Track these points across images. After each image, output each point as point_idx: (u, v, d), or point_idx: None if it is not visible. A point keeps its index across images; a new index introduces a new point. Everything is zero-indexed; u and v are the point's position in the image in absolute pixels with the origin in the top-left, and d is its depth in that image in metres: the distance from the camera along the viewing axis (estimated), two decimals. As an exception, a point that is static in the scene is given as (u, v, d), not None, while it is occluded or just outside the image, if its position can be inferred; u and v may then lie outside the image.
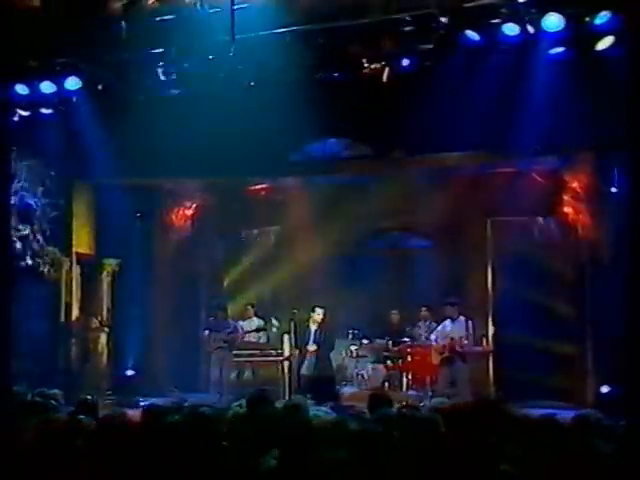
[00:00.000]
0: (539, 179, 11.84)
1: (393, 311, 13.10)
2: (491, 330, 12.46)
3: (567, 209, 11.53)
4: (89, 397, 6.16)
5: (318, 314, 10.67)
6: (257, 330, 12.17)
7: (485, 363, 12.27)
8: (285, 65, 9.30)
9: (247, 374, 12.38)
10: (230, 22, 9.14)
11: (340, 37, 8.78)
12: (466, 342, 10.42)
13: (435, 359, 10.75)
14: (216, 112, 10.25)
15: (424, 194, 12.82)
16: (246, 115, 10.22)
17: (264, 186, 13.93)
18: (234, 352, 11.86)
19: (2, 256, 7.18)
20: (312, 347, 10.95)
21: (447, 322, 10.72)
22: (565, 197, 11.54)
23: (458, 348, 10.41)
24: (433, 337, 11.01)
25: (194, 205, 13.95)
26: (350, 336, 13.40)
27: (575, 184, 11.41)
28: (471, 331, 10.52)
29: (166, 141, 10.73)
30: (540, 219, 12.11)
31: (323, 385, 10.25)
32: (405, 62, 9.30)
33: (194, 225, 13.94)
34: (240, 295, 13.82)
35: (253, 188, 13.98)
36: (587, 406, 9.93)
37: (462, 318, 10.60)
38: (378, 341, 13.15)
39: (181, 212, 13.87)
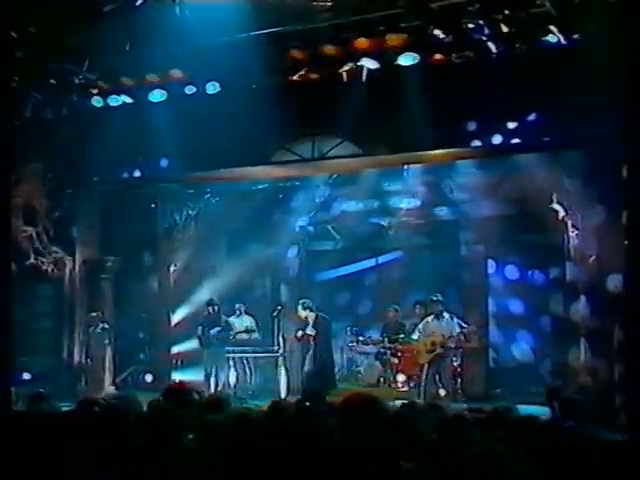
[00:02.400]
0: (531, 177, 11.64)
1: (390, 308, 13.05)
2: (486, 327, 12.32)
3: (557, 206, 11.32)
4: (42, 390, 6.27)
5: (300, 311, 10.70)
6: (247, 331, 12.17)
7: (479, 359, 12.16)
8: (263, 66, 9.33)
9: (245, 370, 12.44)
10: (210, 25, 9.29)
11: (313, 38, 8.75)
12: (451, 339, 10.25)
13: (422, 357, 10.59)
14: (205, 112, 10.41)
15: (422, 191, 12.84)
16: (234, 115, 10.34)
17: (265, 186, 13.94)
18: (227, 349, 11.93)
19: (2, 256, 7.36)
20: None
21: (430, 319, 10.55)
22: (555, 194, 11.32)
23: (445, 345, 10.25)
24: (415, 335, 10.85)
25: (198, 206, 14.03)
26: (348, 333, 13.46)
27: (566, 181, 11.21)
28: (457, 328, 10.34)
29: (159, 141, 10.93)
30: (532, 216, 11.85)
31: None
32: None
33: (198, 225, 14.03)
34: (240, 292, 13.94)
35: (255, 188, 14.01)
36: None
37: (446, 315, 10.45)
38: (375, 338, 13.18)
39: (185, 212, 13.97)
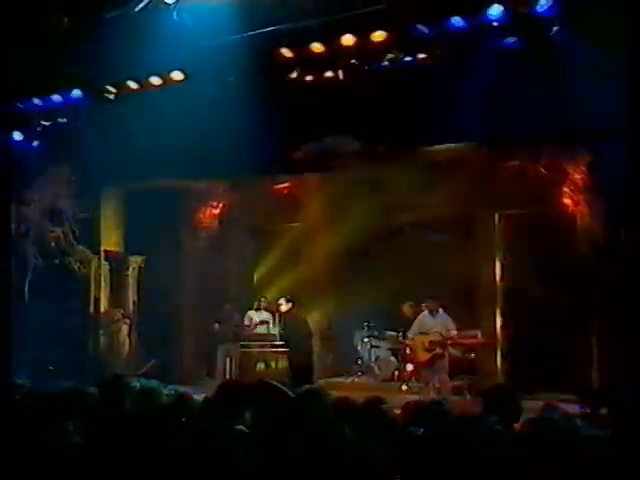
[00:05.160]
0: (542, 171, 11.26)
1: (406, 304, 12.79)
2: (498, 322, 11.98)
3: (567, 200, 10.92)
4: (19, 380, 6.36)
5: (281, 304, 10.60)
6: (261, 322, 12.08)
7: (494, 355, 11.87)
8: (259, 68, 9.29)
9: (260, 365, 12.39)
10: (206, 27, 9.29)
11: (301, 37, 8.62)
12: (454, 334, 10.03)
13: (420, 355, 10.39)
14: (209, 114, 10.40)
15: (435, 188, 12.54)
16: (241, 116, 10.30)
17: (286, 185, 13.88)
18: (242, 343, 11.90)
19: (2, 254, 7.50)
20: None
21: (426, 314, 10.34)
22: (565, 189, 10.93)
23: (444, 344, 10.02)
24: (411, 333, 10.65)
25: (221, 204, 14.07)
26: (365, 328, 13.30)
27: (575, 175, 10.81)
28: (452, 324, 10.10)
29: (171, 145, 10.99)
30: (543, 211, 11.46)
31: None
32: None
33: (221, 223, 14.06)
34: (265, 289, 13.90)
35: (277, 187, 13.97)
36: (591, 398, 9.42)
37: (441, 311, 10.21)
38: (390, 333, 12.99)
39: (208, 211, 14.02)
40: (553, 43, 7.77)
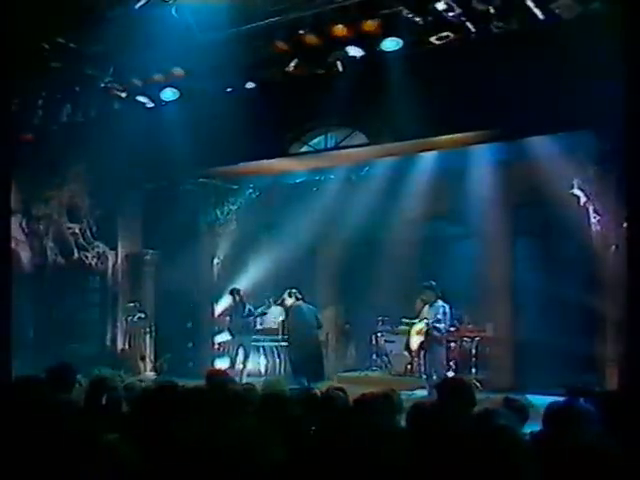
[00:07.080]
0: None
1: (418, 299, 12.50)
2: (509, 317, 11.66)
3: (578, 192, 10.51)
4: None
5: (284, 298, 10.45)
6: (274, 320, 11.93)
7: (503, 349, 11.57)
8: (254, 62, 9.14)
9: (275, 358, 12.31)
10: (205, 22, 9.19)
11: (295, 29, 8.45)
12: (441, 325, 9.76)
13: (414, 344, 10.23)
14: (214, 108, 10.32)
15: (451, 182, 12.25)
16: (246, 110, 10.20)
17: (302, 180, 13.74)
18: (255, 337, 11.81)
19: (2, 252, 7.52)
20: None
21: (425, 307, 10.14)
22: (576, 180, 10.52)
23: (434, 332, 9.77)
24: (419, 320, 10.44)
25: (238, 200, 14.00)
26: (379, 322, 13.09)
27: (586, 167, 10.41)
28: (448, 314, 9.85)
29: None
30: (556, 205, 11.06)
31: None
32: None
33: (238, 219, 13.98)
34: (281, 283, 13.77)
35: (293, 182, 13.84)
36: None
37: (439, 302, 9.96)
38: (403, 328, 12.73)
39: (226, 207, 13.96)
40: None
